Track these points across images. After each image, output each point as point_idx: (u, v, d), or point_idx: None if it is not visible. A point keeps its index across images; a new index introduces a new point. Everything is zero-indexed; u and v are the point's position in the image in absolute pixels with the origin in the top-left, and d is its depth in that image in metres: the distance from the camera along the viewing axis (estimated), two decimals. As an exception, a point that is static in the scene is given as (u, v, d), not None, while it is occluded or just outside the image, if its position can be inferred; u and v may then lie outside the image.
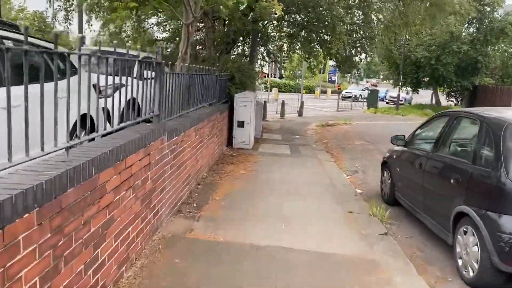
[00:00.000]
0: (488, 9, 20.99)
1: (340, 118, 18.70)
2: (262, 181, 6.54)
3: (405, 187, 5.40)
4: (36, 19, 25.01)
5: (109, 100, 3.37)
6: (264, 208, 5.12)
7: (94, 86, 3.86)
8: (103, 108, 3.50)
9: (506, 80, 26.98)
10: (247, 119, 9.36)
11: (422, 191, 4.66)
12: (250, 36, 13.71)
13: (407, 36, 14.87)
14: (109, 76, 2.94)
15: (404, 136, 5.65)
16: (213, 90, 7.61)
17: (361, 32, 10.25)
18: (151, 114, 4.00)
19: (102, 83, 3.02)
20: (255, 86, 12.08)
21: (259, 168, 7.54)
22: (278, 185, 6.34)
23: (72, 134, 3.08)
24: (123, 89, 3.32)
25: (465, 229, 3.71)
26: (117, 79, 3.10)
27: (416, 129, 5.66)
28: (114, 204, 2.83)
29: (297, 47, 12.65)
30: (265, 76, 48.32)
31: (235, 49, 14.72)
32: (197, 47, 12.63)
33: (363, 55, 12.52)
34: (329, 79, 59.54)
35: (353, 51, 11.46)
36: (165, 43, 13.23)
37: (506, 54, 26.59)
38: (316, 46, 10.79)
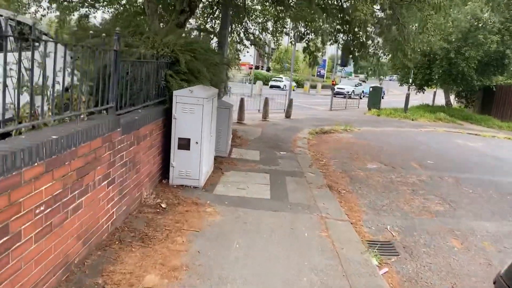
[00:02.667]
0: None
1: (338, 122, 14.75)
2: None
3: None
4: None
5: None
6: None
7: None
8: None
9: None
10: (196, 135, 5.28)
11: None
12: (220, 7, 9.59)
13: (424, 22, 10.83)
14: None
15: None
16: (105, 83, 3.51)
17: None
18: None
19: None
20: (222, 79, 7.96)
21: (200, 256, 3.47)
22: None
23: None
24: None
25: None
26: None
27: None
28: None
29: (288, 21, 8.49)
30: (250, 68, 44.11)
31: (201, 25, 10.58)
32: (135, 17, 8.41)
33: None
34: (318, 73, 55.65)
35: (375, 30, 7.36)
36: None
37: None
38: (320, 12, 6.60)
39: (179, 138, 5.29)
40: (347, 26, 6.75)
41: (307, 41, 8.05)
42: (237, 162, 7.26)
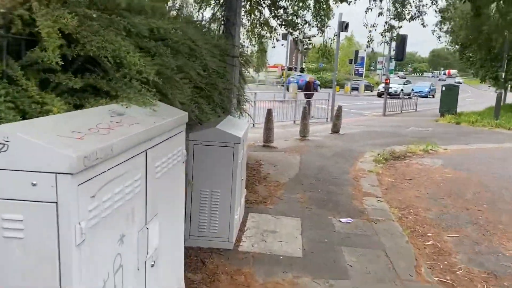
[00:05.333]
0: None
1: (408, 137, 10.34)
2: None
3: None
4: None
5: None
6: None
7: None
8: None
9: None
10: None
11: None
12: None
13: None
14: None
15: None
16: None
17: None
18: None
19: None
20: (228, 83, 3.85)
21: None
22: None
23: None
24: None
25: None
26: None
27: None
28: None
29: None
30: (282, 69, 39.91)
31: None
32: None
33: None
34: (356, 72, 50.55)
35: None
36: None
37: None
38: None
39: None
40: None
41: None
42: (252, 268, 3.16)
